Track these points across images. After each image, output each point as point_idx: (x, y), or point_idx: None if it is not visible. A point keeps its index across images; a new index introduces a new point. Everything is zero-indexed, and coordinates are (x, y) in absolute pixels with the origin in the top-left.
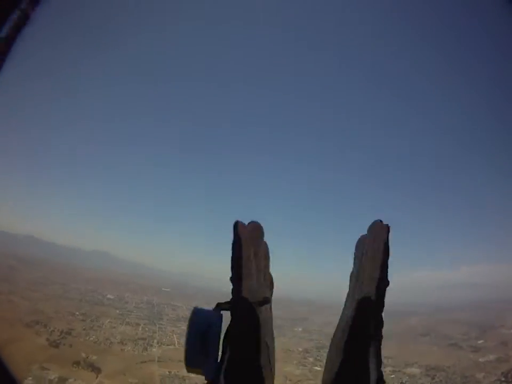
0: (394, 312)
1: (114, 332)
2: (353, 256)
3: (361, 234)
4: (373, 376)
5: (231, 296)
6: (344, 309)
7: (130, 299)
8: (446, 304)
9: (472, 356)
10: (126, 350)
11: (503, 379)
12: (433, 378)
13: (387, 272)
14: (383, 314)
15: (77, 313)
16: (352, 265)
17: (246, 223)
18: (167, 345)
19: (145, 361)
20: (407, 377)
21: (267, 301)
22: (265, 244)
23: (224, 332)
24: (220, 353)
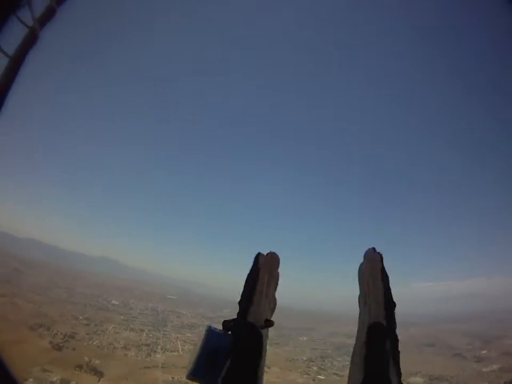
0: (399, 322)
1: (118, 337)
2: (357, 278)
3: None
4: None
5: (235, 316)
6: (357, 332)
7: (135, 305)
8: (449, 314)
9: (475, 365)
10: (129, 355)
11: None
12: None
13: (391, 295)
14: (396, 331)
15: (81, 317)
16: (358, 288)
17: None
18: (171, 351)
19: (148, 367)
20: None
21: (269, 324)
22: (278, 273)
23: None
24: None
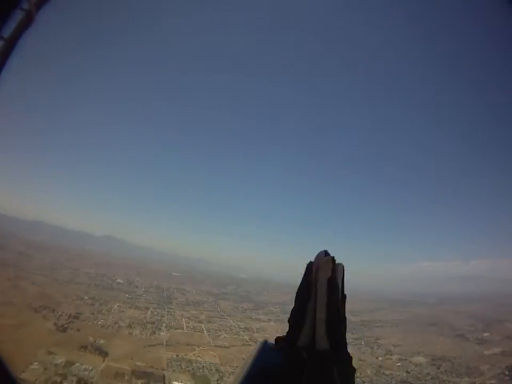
0: (403, 301)
1: (123, 316)
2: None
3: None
4: None
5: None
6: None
7: (140, 283)
8: (454, 295)
9: (477, 348)
10: (134, 334)
11: (507, 373)
12: (438, 368)
13: (336, 312)
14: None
15: (86, 297)
16: None
17: (316, 255)
18: (176, 329)
19: (153, 345)
20: (413, 366)
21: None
22: (338, 281)
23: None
24: None
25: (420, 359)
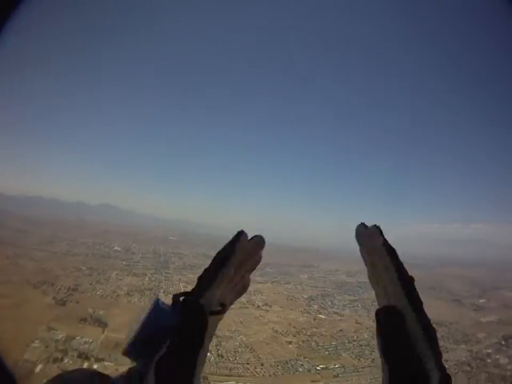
0: (403, 263)
1: (121, 284)
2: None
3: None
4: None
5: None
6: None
7: (137, 250)
8: (454, 259)
9: (474, 314)
10: (132, 302)
11: (503, 342)
12: None
13: (404, 269)
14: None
15: (84, 268)
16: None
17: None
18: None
19: None
20: None
21: (222, 311)
22: (260, 256)
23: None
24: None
25: None
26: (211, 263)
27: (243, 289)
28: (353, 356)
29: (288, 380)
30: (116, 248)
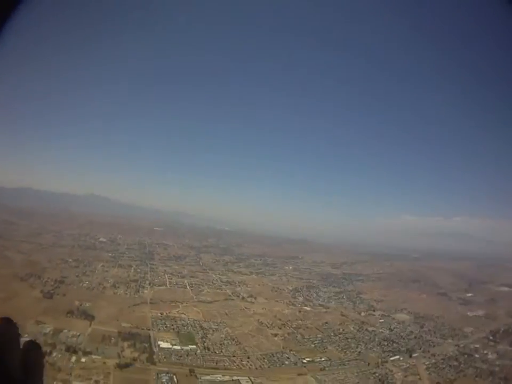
0: (384, 255)
1: (107, 276)
2: None
3: None
4: None
5: None
6: None
7: (123, 241)
8: (436, 251)
9: (460, 308)
10: (118, 294)
11: (491, 338)
12: (421, 327)
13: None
14: None
15: (70, 260)
16: None
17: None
18: (159, 286)
19: (137, 304)
20: (396, 323)
21: None
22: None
23: None
24: None
25: (403, 316)
26: None
27: None
28: (339, 349)
29: (275, 373)
30: (101, 239)
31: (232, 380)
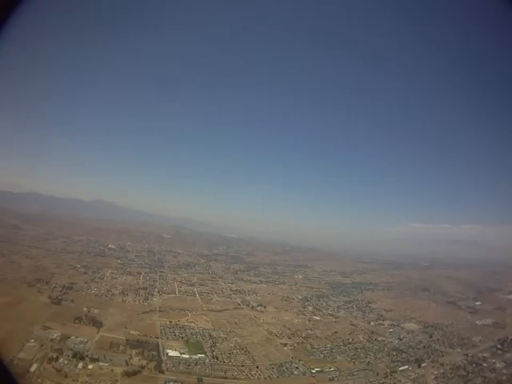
0: (394, 263)
1: (116, 283)
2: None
3: None
4: None
5: None
6: None
7: (132, 248)
8: (445, 259)
9: (469, 317)
10: (127, 301)
11: (499, 346)
12: (430, 336)
13: None
14: None
15: (79, 266)
16: None
17: None
18: (168, 293)
19: (146, 312)
20: (405, 333)
21: None
22: None
23: None
24: None
25: (412, 325)
26: None
27: None
28: (349, 359)
29: (284, 383)
30: (110, 246)
31: None
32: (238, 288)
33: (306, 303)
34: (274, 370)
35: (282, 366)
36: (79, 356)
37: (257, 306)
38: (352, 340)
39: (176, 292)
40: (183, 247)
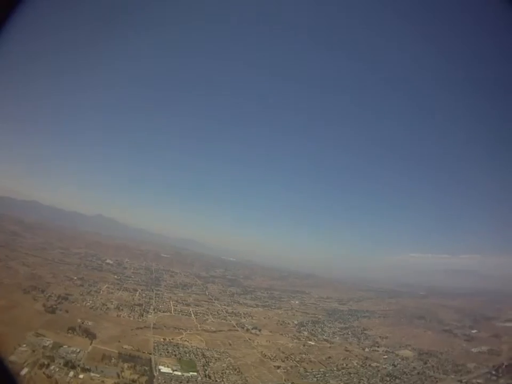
0: (391, 292)
1: (112, 297)
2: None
3: None
4: None
5: None
6: None
7: (129, 264)
8: (442, 288)
9: (465, 344)
10: (122, 316)
11: (493, 372)
12: (425, 363)
13: None
14: None
15: (75, 278)
16: None
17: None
18: (163, 312)
19: (140, 328)
20: (400, 359)
21: None
22: None
23: None
24: None
25: (407, 352)
26: None
27: None
28: (341, 383)
29: None
30: (108, 261)
31: None
32: (234, 311)
33: (302, 328)
34: None
35: None
36: (70, 365)
37: (252, 329)
38: (346, 365)
39: (172, 311)
40: (181, 268)
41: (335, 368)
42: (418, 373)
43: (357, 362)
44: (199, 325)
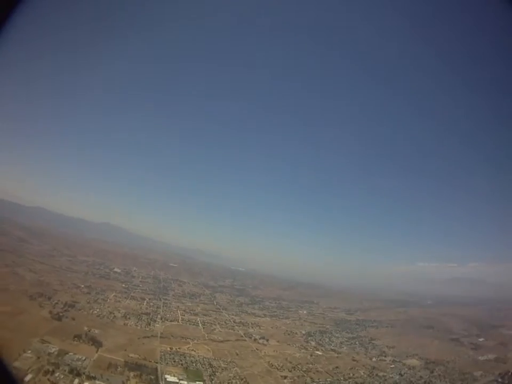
0: (399, 301)
1: (119, 306)
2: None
3: None
4: None
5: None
6: None
7: (137, 273)
8: (450, 297)
9: (472, 353)
10: (129, 325)
11: (499, 380)
12: (432, 372)
13: None
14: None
15: (82, 286)
16: None
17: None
18: (171, 321)
19: (147, 337)
20: (406, 369)
21: None
22: None
23: None
24: None
25: (414, 361)
26: None
27: None
28: None
29: None
30: (116, 269)
31: None
32: (242, 321)
33: (309, 338)
34: None
35: None
36: (75, 372)
37: (259, 339)
38: (353, 374)
39: (179, 320)
40: (189, 277)
41: (342, 378)
42: (424, 382)
43: (364, 372)
44: (206, 335)
